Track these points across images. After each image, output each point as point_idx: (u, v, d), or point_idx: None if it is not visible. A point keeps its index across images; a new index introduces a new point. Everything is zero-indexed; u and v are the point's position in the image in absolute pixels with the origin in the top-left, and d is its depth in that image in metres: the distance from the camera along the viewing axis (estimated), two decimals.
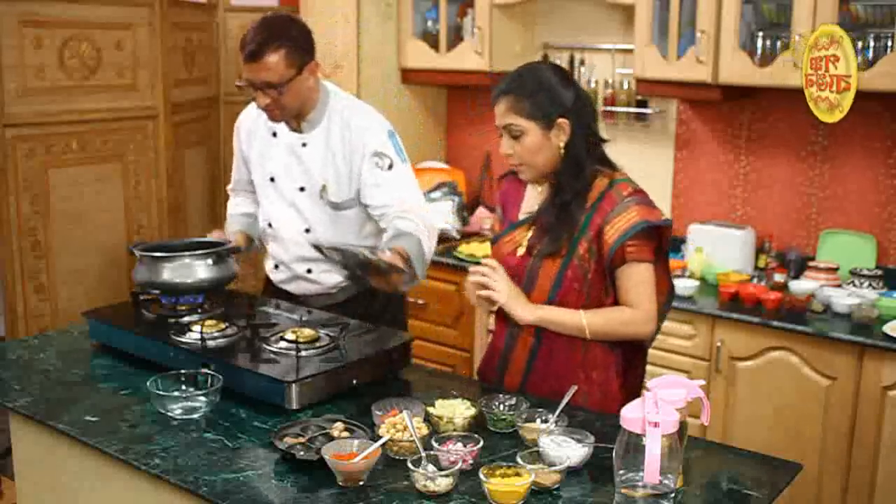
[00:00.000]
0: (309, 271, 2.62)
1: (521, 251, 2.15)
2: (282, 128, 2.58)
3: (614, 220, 2.05)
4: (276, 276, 2.70)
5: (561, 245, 2.08)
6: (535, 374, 2.16)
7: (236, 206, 2.84)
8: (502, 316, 2.20)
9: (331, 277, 2.62)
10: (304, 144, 2.56)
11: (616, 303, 2.11)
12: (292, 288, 2.68)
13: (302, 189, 2.57)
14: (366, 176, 2.51)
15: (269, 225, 2.65)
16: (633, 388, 2.20)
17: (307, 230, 2.58)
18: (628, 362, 2.20)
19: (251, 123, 2.68)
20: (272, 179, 2.61)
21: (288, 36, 2.40)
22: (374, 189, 2.51)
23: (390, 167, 2.53)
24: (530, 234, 2.15)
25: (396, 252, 2.26)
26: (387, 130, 2.56)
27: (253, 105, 2.65)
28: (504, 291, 2.08)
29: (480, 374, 2.32)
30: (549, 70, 2.13)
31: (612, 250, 2.04)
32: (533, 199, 2.20)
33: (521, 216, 2.21)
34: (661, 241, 2.12)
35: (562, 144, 2.08)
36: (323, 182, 2.54)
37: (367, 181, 2.51)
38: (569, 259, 2.08)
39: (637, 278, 2.06)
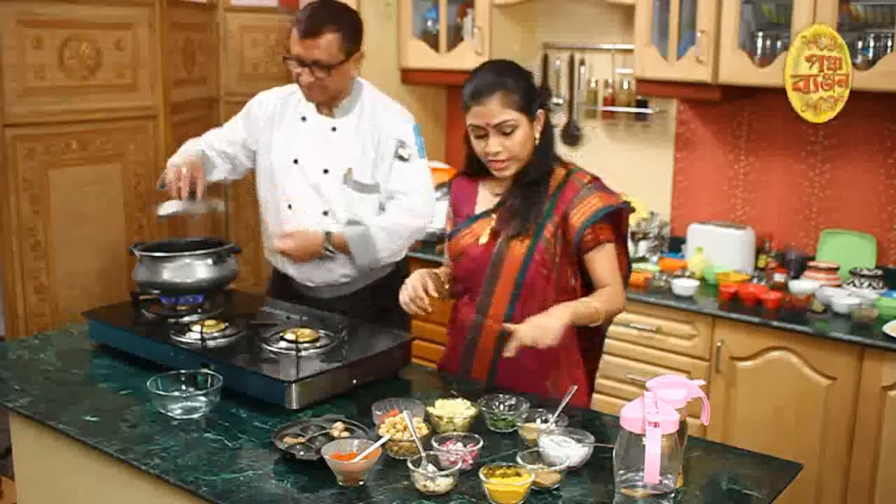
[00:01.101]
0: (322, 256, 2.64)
1: (483, 239, 2.20)
2: (311, 112, 2.64)
3: (578, 206, 2.14)
4: (285, 263, 2.70)
5: (528, 226, 2.14)
6: (503, 363, 2.16)
7: (198, 143, 2.75)
8: (461, 310, 2.27)
9: (340, 266, 2.65)
10: (333, 129, 2.63)
11: (585, 287, 2.21)
12: (298, 275, 2.69)
13: (326, 171, 2.61)
14: (386, 161, 2.62)
15: (289, 206, 2.66)
16: (592, 370, 2.35)
17: (325, 212, 2.62)
18: (588, 345, 2.30)
19: (274, 109, 2.71)
20: (296, 161, 2.64)
21: (345, 21, 2.52)
22: (387, 175, 2.63)
23: (408, 158, 2.65)
24: (493, 224, 2.20)
25: (290, 236, 2.56)
26: (413, 125, 2.69)
27: (274, 90, 2.76)
28: (551, 332, 2.00)
29: (441, 367, 2.36)
30: (515, 65, 2.20)
31: (578, 234, 2.14)
32: (486, 197, 2.26)
33: (478, 212, 2.26)
34: (620, 223, 2.23)
35: (537, 135, 2.16)
36: (349, 165, 2.60)
37: (387, 169, 2.62)
38: (535, 243, 2.14)
39: (605, 259, 2.17)
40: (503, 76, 2.12)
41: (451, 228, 2.33)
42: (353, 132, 2.63)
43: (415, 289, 2.15)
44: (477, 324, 2.22)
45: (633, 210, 2.40)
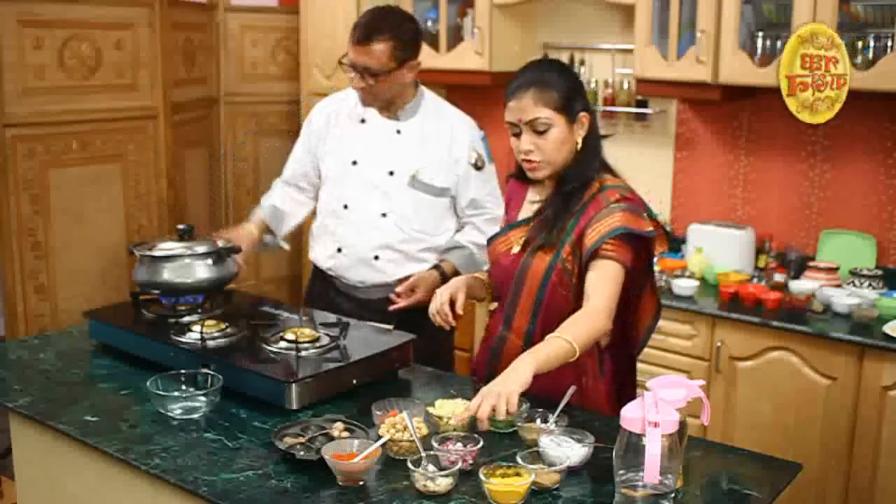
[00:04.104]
0: (376, 258, 2.66)
1: (516, 248, 2.13)
2: (372, 115, 2.66)
3: (596, 224, 2.00)
4: (334, 262, 2.71)
5: (556, 237, 2.05)
6: None
7: (271, 196, 2.87)
8: (494, 316, 2.21)
9: (396, 268, 2.67)
10: (398, 131, 2.65)
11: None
12: (351, 275, 2.70)
13: (391, 173, 2.63)
14: (460, 166, 2.66)
15: (345, 206, 2.67)
16: (623, 383, 2.19)
17: (384, 214, 2.64)
18: (618, 372, 2.16)
19: (335, 107, 2.75)
20: (354, 163, 2.66)
21: (398, 30, 2.54)
22: (464, 183, 2.67)
23: (482, 167, 2.70)
24: (526, 233, 2.12)
25: (413, 287, 2.60)
26: (480, 131, 2.75)
27: (329, 97, 2.82)
28: (501, 396, 1.76)
29: (473, 372, 2.33)
30: (560, 64, 2.14)
31: (589, 251, 2.00)
32: (529, 204, 2.19)
33: (519, 218, 2.20)
34: (648, 255, 2.08)
35: (579, 140, 2.06)
36: (417, 167, 2.63)
37: (461, 175, 2.66)
38: (554, 261, 2.05)
39: (603, 272, 1.97)
40: (542, 74, 2.04)
41: (499, 228, 2.27)
42: (418, 135, 2.65)
43: (442, 303, 2.12)
44: (502, 337, 2.16)
45: (666, 235, 2.16)
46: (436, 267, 2.68)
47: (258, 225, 2.79)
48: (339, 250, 2.70)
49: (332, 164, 2.71)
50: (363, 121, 2.68)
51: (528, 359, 1.84)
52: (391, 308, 2.62)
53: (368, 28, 2.50)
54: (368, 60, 2.50)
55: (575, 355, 1.90)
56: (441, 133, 2.66)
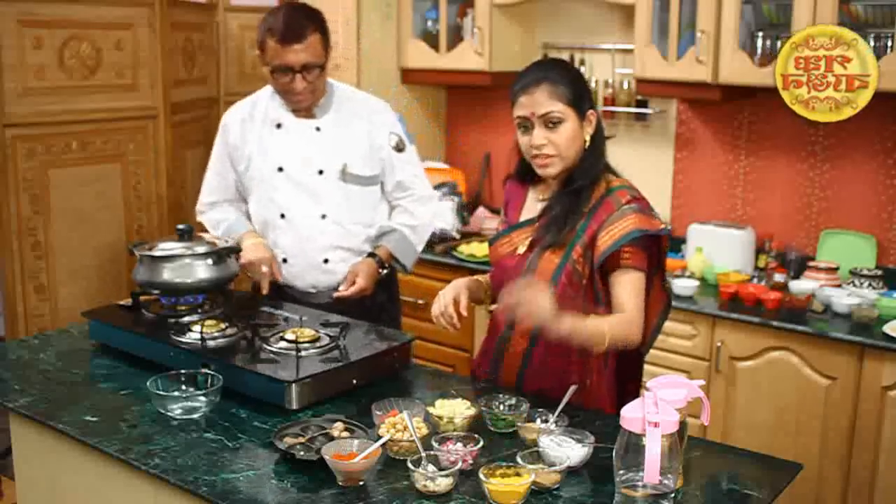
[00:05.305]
0: (326, 261, 2.65)
1: (521, 249, 2.12)
2: (287, 118, 2.62)
3: (610, 228, 2.01)
4: (283, 273, 2.67)
5: (564, 237, 2.03)
6: (528, 378, 2.14)
7: (226, 212, 2.76)
8: (495, 316, 2.20)
9: (346, 267, 2.65)
10: (317, 129, 2.61)
11: (608, 312, 2.05)
12: (301, 283, 2.67)
13: (321, 172, 2.60)
14: (383, 151, 2.66)
15: (281, 216, 2.64)
16: (626, 385, 2.19)
17: (323, 216, 2.62)
18: (622, 374, 2.17)
19: (247, 113, 2.68)
20: (280, 169, 2.62)
21: (321, 22, 2.53)
22: (389, 167, 2.67)
23: (403, 148, 2.70)
24: (532, 234, 2.11)
25: (355, 276, 2.58)
26: (394, 113, 2.74)
27: (235, 106, 2.74)
28: (546, 307, 1.88)
29: (473, 372, 2.32)
30: (567, 63, 2.16)
31: (603, 255, 2.00)
32: (532, 204, 2.18)
33: (522, 219, 2.19)
34: (659, 252, 2.08)
35: (587, 137, 2.06)
36: (344, 161, 2.61)
37: (385, 160, 2.66)
38: (563, 263, 2.04)
39: (630, 285, 2.01)
40: (552, 70, 2.04)
41: (501, 230, 2.25)
42: (337, 129, 2.62)
43: (446, 304, 2.10)
44: (505, 337, 2.16)
45: (671, 235, 2.23)
46: (371, 255, 2.67)
47: (251, 234, 2.68)
48: (285, 261, 2.66)
49: (256, 173, 2.64)
50: (279, 125, 2.62)
51: (570, 319, 1.89)
52: (335, 295, 2.58)
53: (297, 25, 2.45)
54: (308, 57, 2.47)
55: (603, 346, 1.95)
56: (358, 122, 2.64)
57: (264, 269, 2.54)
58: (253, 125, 2.65)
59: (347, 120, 2.64)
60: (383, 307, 2.75)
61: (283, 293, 2.69)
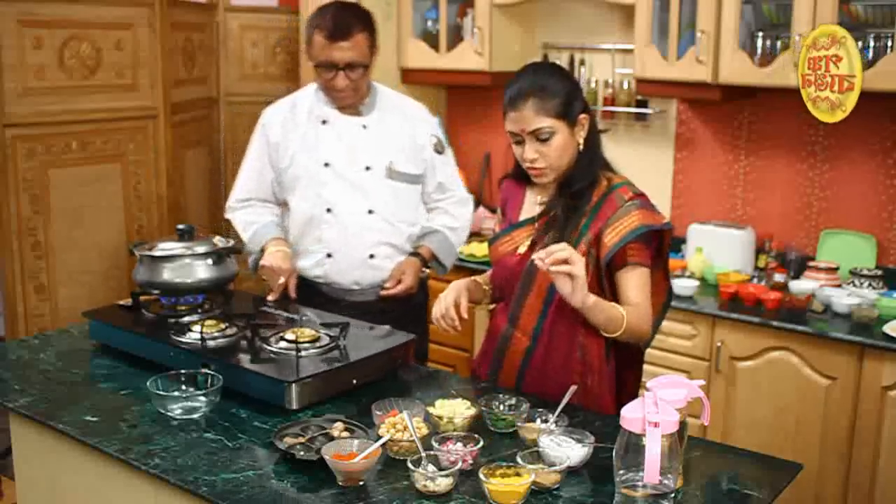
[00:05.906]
0: (372, 256, 2.65)
1: (522, 249, 2.13)
2: (333, 115, 2.64)
3: (615, 224, 2.02)
4: (324, 269, 2.66)
5: (568, 236, 2.04)
6: (529, 377, 2.14)
7: (259, 214, 2.74)
8: (496, 316, 2.20)
9: (391, 264, 2.68)
10: (364, 126, 2.64)
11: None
12: (344, 279, 2.67)
13: (368, 168, 2.62)
14: (426, 152, 2.71)
15: (328, 210, 2.63)
16: (625, 385, 2.19)
17: (370, 211, 2.64)
18: (623, 371, 2.17)
19: (286, 114, 2.70)
20: (327, 164, 2.63)
21: (367, 19, 2.58)
22: (431, 168, 2.72)
23: (443, 151, 2.76)
24: (533, 233, 2.12)
25: (400, 277, 2.63)
26: (435, 117, 2.81)
27: (275, 104, 2.76)
28: (581, 272, 1.88)
29: (473, 372, 2.33)
30: (556, 67, 2.14)
31: (609, 253, 2.01)
32: (531, 203, 2.18)
33: (521, 218, 2.19)
34: (662, 245, 2.11)
35: (581, 140, 2.07)
36: (390, 159, 2.64)
37: (427, 160, 2.71)
38: None
39: (637, 281, 2.03)
40: (540, 81, 2.03)
41: (499, 230, 2.25)
42: (383, 127, 2.66)
43: (447, 307, 2.11)
44: (506, 335, 2.16)
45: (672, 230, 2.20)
46: (415, 253, 2.70)
47: (279, 241, 2.67)
48: (329, 255, 2.66)
49: (301, 170, 2.64)
50: (325, 122, 2.64)
51: (594, 297, 1.92)
52: (383, 293, 2.63)
53: (345, 23, 2.49)
54: (353, 55, 2.50)
55: (619, 331, 1.98)
56: (402, 122, 2.69)
57: (281, 280, 2.54)
58: (295, 123, 2.67)
59: (392, 119, 2.67)
60: (422, 307, 2.78)
61: (318, 291, 2.68)
